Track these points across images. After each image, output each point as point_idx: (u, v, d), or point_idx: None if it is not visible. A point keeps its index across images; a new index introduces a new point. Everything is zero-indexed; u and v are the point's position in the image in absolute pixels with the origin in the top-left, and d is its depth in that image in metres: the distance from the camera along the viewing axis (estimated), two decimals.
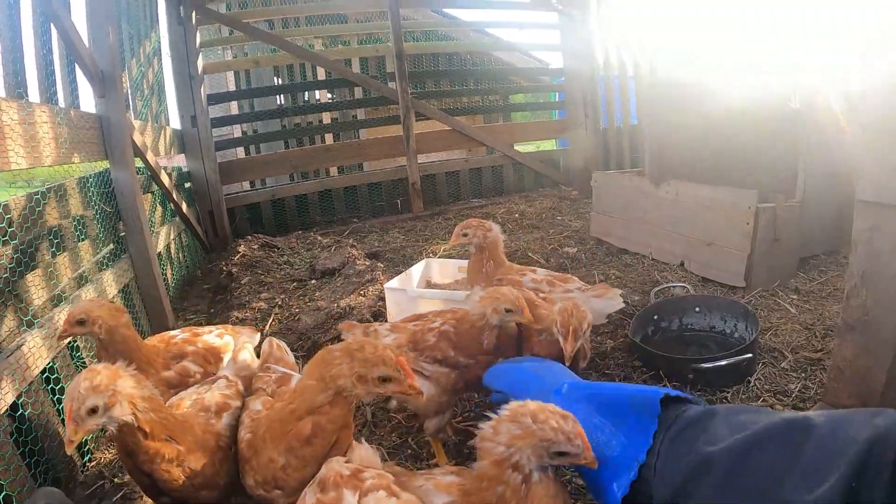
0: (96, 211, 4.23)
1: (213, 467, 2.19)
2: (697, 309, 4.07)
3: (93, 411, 1.86)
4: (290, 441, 1.98)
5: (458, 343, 2.77)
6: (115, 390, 1.89)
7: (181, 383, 2.86)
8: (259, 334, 3.49)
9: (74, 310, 2.71)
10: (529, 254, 6.03)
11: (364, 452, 1.93)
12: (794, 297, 4.53)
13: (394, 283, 4.51)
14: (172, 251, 6.09)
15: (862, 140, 2.45)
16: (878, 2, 2.45)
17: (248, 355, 2.85)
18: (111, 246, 4.44)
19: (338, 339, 4.15)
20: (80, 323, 2.69)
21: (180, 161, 7.93)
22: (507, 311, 2.65)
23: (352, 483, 1.69)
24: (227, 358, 3.10)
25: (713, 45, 8.20)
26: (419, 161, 9.27)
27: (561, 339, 2.56)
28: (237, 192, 9.02)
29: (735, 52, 6.27)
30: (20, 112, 3.08)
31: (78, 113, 4.07)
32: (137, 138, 5.10)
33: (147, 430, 1.97)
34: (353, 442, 2.06)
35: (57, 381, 3.05)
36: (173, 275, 5.90)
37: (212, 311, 5.43)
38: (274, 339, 2.87)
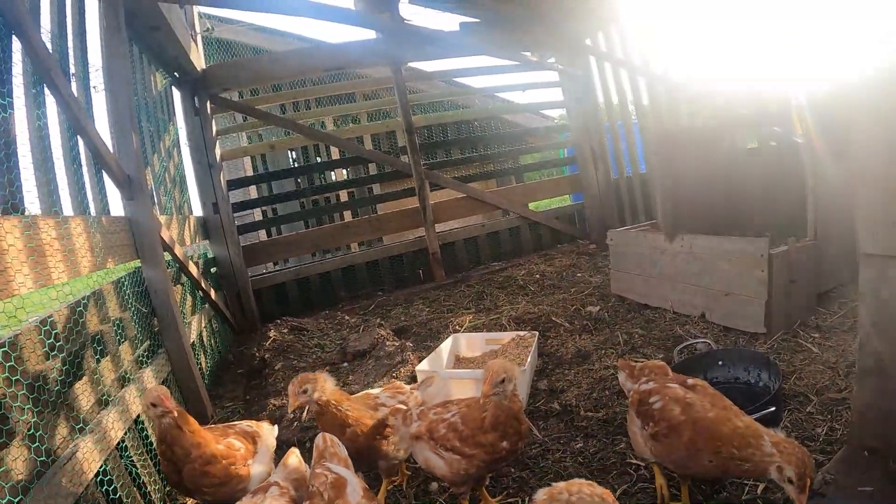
0: (132, 311, 4.37)
1: None
2: (721, 362, 4.11)
3: None
4: None
5: (464, 433, 2.94)
6: None
7: (229, 455, 3.10)
8: (276, 426, 3.76)
9: (151, 397, 2.95)
10: (553, 318, 6.06)
11: None
12: (816, 335, 4.55)
13: (424, 364, 4.61)
14: (205, 338, 6.22)
15: (863, 195, 2.53)
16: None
17: (295, 459, 2.95)
18: (147, 343, 4.58)
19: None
20: (154, 405, 2.93)
21: (203, 244, 8.15)
22: (501, 381, 2.76)
23: None
24: (260, 444, 3.40)
25: (718, 91, 8.38)
26: (437, 230, 9.43)
27: (793, 492, 2.34)
28: (262, 274, 9.23)
29: (738, 97, 6.40)
30: (57, 228, 3.25)
31: (109, 219, 4.24)
32: (165, 234, 5.26)
33: None
34: None
35: (110, 482, 3.16)
36: (207, 362, 6.02)
37: (248, 397, 5.50)
38: (327, 434, 2.94)
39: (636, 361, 3.28)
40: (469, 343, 5.31)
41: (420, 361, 4.80)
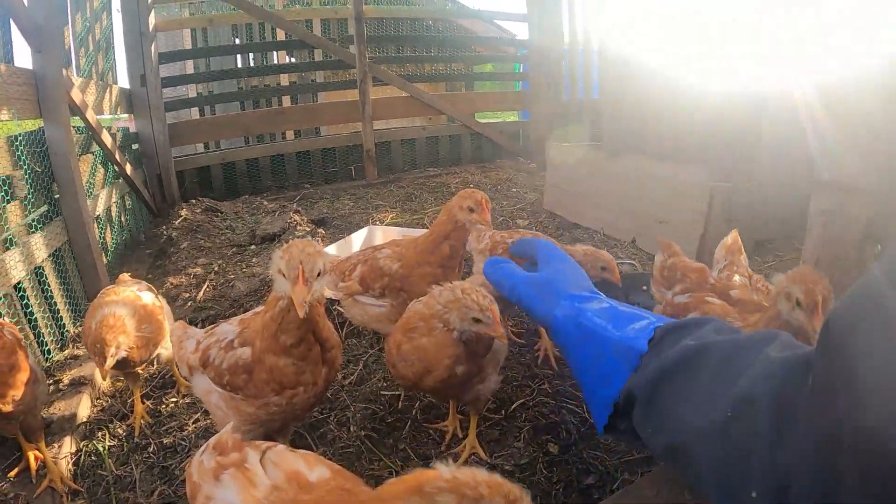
0: (27, 171, 4.07)
1: None
2: (645, 287, 3.99)
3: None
4: None
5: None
6: None
7: None
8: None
9: None
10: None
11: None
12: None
13: (331, 248, 4.44)
14: (113, 214, 5.90)
15: (828, 124, 2.34)
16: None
17: None
18: (44, 208, 4.29)
19: None
20: None
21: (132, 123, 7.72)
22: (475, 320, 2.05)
23: (253, 445, 1.59)
24: None
25: (683, 27, 8.13)
26: (376, 128, 9.16)
27: (803, 317, 1.87)
28: (187, 155, 8.80)
29: (706, 36, 6.26)
30: None
31: (10, 68, 3.91)
32: (76, 95, 4.93)
33: None
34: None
35: None
36: (113, 238, 5.73)
37: (150, 276, 5.28)
38: None
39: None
40: (385, 236, 5.14)
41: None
